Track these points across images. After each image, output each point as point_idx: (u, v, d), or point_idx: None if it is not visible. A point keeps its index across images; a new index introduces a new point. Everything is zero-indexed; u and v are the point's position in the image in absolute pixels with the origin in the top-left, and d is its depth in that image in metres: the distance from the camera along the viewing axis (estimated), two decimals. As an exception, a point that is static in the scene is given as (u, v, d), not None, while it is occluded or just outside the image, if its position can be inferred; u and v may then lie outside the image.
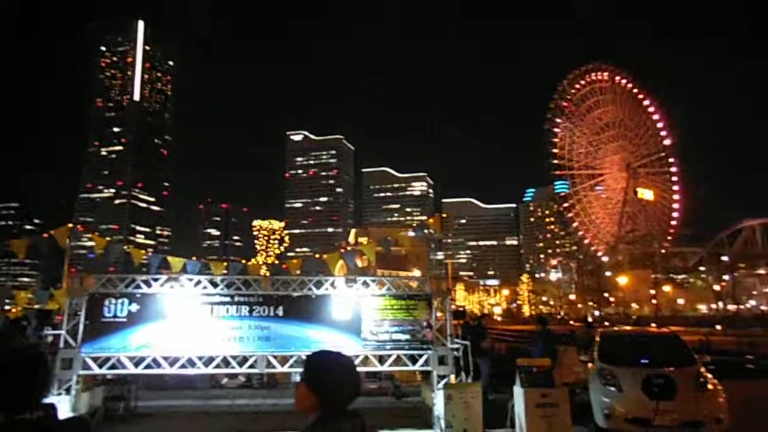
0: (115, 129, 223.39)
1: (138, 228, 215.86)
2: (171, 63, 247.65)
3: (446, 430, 8.35)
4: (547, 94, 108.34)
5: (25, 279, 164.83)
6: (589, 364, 10.10)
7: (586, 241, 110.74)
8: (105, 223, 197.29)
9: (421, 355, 9.97)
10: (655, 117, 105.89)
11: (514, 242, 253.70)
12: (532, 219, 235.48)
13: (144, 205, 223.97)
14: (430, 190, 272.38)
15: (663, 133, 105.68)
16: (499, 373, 10.95)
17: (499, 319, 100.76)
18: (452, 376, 9.81)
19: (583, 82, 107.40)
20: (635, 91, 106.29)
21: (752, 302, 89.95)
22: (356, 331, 10.02)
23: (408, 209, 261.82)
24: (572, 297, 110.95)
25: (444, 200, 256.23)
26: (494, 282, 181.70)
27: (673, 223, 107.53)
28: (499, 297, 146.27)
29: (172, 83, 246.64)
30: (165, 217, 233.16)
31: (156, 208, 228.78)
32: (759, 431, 9.23)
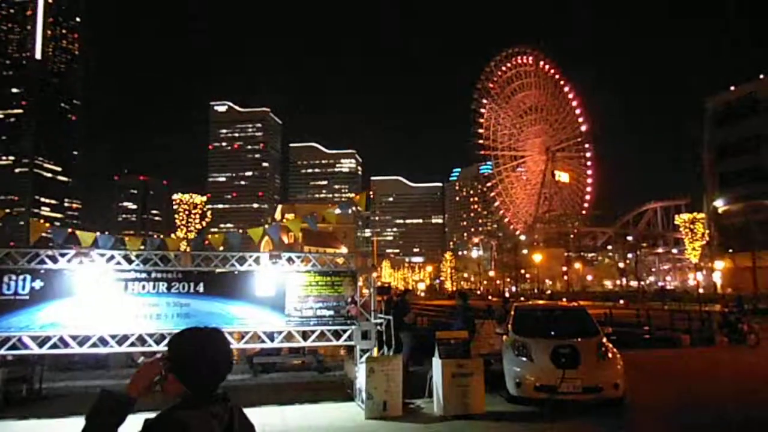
0: (14, 90, 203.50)
1: (43, 200, 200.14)
2: (78, 19, 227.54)
3: (367, 401, 8.55)
4: (476, 73, 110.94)
5: None
6: (504, 336, 10.67)
7: (506, 220, 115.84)
8: (3, 194, 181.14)
9: (345, 331, 10.08)
10: (574, 103, 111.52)
11: (440, 221, 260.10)
12: (457, 198, 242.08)
13: (49, 175, 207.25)
14: (359, 168, 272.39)
15: (580, 119, 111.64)
16: (421, 346, 11.32)
17: (422, 294, 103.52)
18: (375, 350, 10.02)
19: (509, 65, 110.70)
20: (557, 77, 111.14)
21: (652, 278, 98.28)
22: (280, 307, 9.95)
23: (336, 186, 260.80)
24: (492, 273, 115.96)
25: (372, 178, 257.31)
26: (419, 259, 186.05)
27: (586, 204, 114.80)
28: (423, 273, 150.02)
29: (79, 42, 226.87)
30: (74, 188, 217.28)
31: (63, 178, 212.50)
32: (652, 393, 10.19)
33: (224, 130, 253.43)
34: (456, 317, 12.70)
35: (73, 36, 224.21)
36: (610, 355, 9.37)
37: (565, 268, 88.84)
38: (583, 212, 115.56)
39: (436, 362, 8.78)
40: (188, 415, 1.73)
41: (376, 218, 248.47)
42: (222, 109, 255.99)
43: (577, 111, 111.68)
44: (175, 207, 63.01)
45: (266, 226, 12.60)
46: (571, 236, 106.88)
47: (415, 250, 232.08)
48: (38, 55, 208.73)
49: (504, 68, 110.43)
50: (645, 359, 14.43)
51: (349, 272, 10.49)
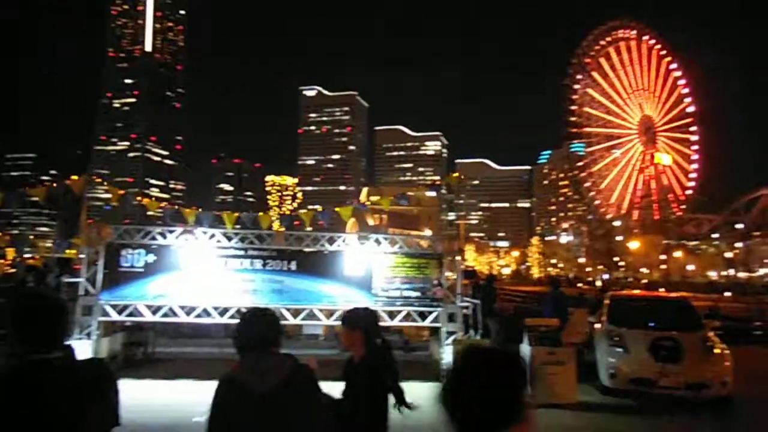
0: (127, 80, 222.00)
1: (152, 181, 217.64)
2: (183, 12, 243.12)
3: (454, 384, 8.58)
4: (567, 54, 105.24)
5: (44, 228, 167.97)
6: (597, 325, 10.22)
7: (597, 203, 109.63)
8: (120, 176, 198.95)
9: (430, 312, 10.14)
10: (681, 81, 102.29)
11: (527, 204, 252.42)
12: (545, 182, 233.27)
13: (158, 158, 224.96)
14: (444, 150, 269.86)
15: (687, 99, 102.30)
16: (508, 332, 11.13)
17: (507, 280, 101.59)
18: (460, 333, 9.99)
19: (609, 39, 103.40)
20: (663, 52, 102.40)
21: (764, 270, 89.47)
22: (367, 287, 10.18)
23: (421, 169, 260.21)
24: (582, 260, 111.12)
25: (458, 161, 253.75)
26: (504, 243, 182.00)
27: (689, 190, 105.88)
28: (508, 258, 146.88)
29: (183, 34, 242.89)
30: (178, 171, 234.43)
31: (170, 162, 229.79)
32: (761, 394, 9.35)
33: (313, 114, 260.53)
34: (546, 304, 12.33)
35: (177, 28, 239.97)
36: (717, 350, 8.69)
37: (663, 257, 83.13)
38: (685, 197, 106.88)
39: (526, 349, 8.60)
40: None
41: (461, 201, 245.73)
42: (311, 93, 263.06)
43: (684, 90, 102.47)
44: (267, 189, 65.87)
45: (356, 203, 12.89)
46: (671, 223, 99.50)
47: (500, 234, 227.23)
48: (148, 48, 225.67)
49: (603, 42, 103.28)
50: (756, 356, 13.24)
51: (435, 255, 10.50)
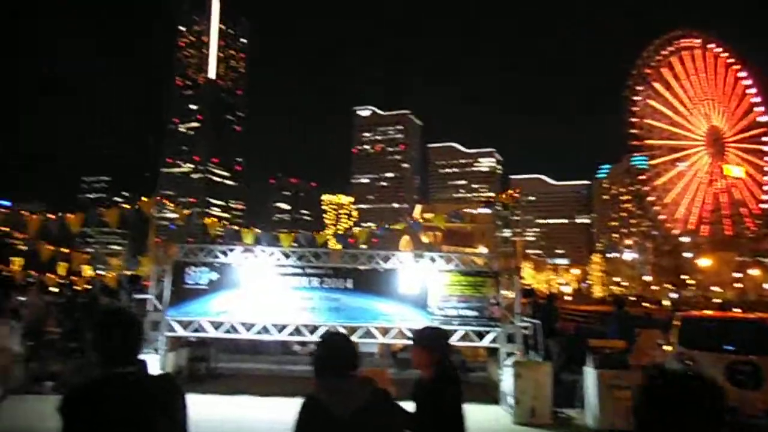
0: (192, 106, 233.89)
1: (213, 201, 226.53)
2: (243, 40, 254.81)
3: (515, 406, 8.31)
4: (626, 66, 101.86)
5: (116, 247, 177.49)
6: (667, 348, 9.68)
7: (662, 218, 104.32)
8: (184, 197, 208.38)
9: (488, 332, 9.92)
10: (751, 90, 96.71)
11: (586, 220, 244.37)
12: (605, 197, 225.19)
13: (219, 179, 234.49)
14: (498, 167, 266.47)
15: (759, 108, 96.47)
16: (569, 353, 10.72)
17: (568, 299, 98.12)
18: (520, 354, 9.71)
19: (671, 48, 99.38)
20: (730, 60, 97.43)
21: None
22: (423, 305, 10.10)
23: (474, 185, 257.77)
24: (647, 278, 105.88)
25: (512, 176, 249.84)
26: (563, 261, 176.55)
27: (764, 204, 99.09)
28: (568, 276, 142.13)
29: (244, 60, 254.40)
30: (238, 191, 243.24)
31: (230, 182, 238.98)
32: None
33: (367, 134, 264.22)
34: (610, 325, 11.81)
35: (239, 56, 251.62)
36: (804, 377, 8.00)
37: (738, 275, 77.97)
38: (760, 211, 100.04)
39: (590, 372, 8.24)
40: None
41: (517, 218, 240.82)
42: (365, 113, 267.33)
43: (755, 99, 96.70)
44: (323, 207, 67.16)
45: (410, 221, 12.89)
46: (746, 239, 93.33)
47: (559, 251, 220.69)
48: (212, 75, 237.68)
49: (665, 52, 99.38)
50: None
51: (492, 273, 10.31)
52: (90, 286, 15.83)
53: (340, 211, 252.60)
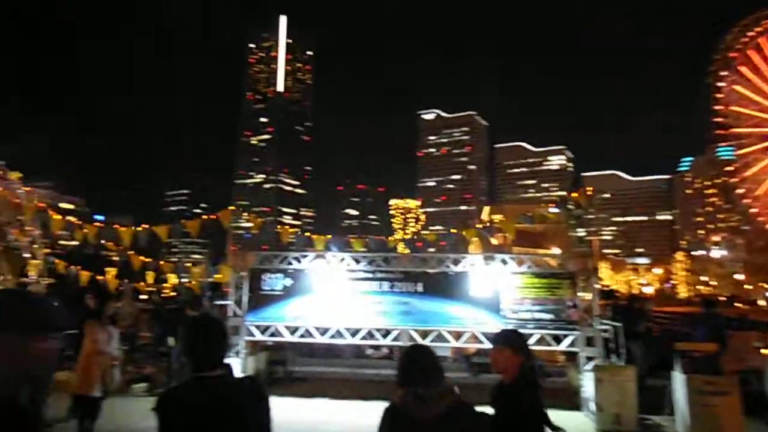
0: (262, 119, 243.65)
1: (285, 210, 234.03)
2: (310, 53, 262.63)
3: (598, 413, 7.98)
4: (708, 51, 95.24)
5: (196, 256, 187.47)
6: (765, 351, 8.95)
7: (754, 211, 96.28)
8: (257, 206, 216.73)
9: (566, 336, 9.59)
10: None
11: (668, 217, 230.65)
12: (688, 191, 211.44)
13: (289, 188, 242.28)
14: (569, 164, 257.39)
15: None
16: (654, 357, 10.13)
17: (650, 300, 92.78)
18: (600, 359, 9.32)
19: (758, 29, 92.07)
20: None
21: None
22: (496, 308, 9.93)
23: (544, 185, 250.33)
24: (739, 277, 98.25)
25: (585, 174, 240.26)
26: (644, 260, 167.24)
27: None
28: (649, 276, 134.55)
29: (311, 72, 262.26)
30: (308, 198, 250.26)
31: (300, 190, 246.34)
32: None
33: (432, 137, 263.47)
34: (698, 326, 11.06)
35: (305, 68, 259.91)
36: None
37: None
38: None
39: (678, 377, 7.77)
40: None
41: (591, 216, 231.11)
42: (430, 117, 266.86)
43: None
44: (391, 212, 67.68)
45: (479, 226, 12.73)
46: None
47: (638, 250, 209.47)
48: (280, 88, 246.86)
49: (751, 33, 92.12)
50: None
51: (567, 274, 9.96)
52: (175, 293, 16.82)
53: (408, 215, 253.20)
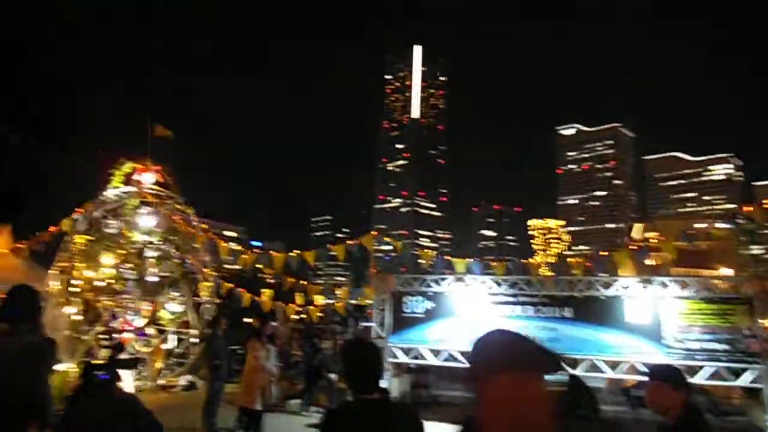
0: (398, 146, 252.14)
1: (421, 232, 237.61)
2: (443, 79, 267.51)
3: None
4: None
5: (339, 278, 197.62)
6: None
7: None
8: (395, 230, 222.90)
9: (745, 369, 8.38)
10: None
11: None
12: None
13: (426, 211, 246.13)
14: (738, 173, 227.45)
15: None
16: None
17: None
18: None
19: None
20: None
21: None
22: (656, 337, 9.03)
23: (706, 197, 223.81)
24: None
25: (756, 183, 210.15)
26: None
27: None
28: None
29: (444, 97, 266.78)
30: (444, 221, 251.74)
31: (436, 213, 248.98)
32: None
33: (572, 153, 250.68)
34: None
35: (438, 93, 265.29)
36: None
37: None
38: None
39: None
40: None
41: (767, 232, 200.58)
42: (569, 132, 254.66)
43: None
44: (530, 232, 65.41)
45: (631, 248, 11.76)
46: None
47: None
48: (416, 114, 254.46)
49: None
50: None
51: (742, 299, 8.74)
52: (322, 314, 17.83)
53: (549, 235, 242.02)
